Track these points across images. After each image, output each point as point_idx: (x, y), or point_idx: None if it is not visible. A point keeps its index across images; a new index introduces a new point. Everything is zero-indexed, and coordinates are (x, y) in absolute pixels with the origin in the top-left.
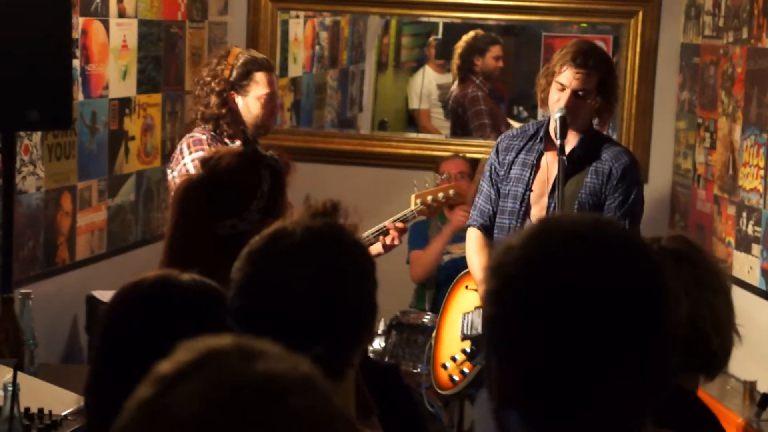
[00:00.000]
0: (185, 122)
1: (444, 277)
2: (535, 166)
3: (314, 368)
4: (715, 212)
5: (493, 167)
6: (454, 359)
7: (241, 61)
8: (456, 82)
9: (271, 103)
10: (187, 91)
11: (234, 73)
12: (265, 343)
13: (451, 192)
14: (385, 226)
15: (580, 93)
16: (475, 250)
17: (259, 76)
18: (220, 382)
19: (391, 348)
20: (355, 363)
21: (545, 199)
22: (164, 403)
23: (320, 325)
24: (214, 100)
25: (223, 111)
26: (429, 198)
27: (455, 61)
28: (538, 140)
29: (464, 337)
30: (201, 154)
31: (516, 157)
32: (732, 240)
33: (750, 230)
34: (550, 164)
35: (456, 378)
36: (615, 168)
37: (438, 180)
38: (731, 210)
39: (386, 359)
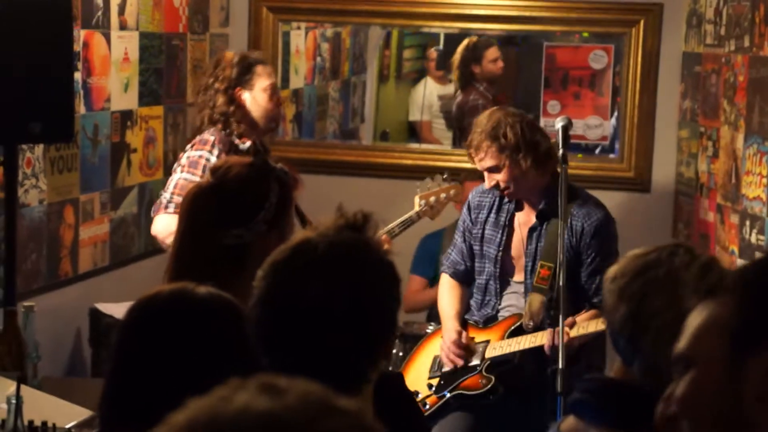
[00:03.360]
0: (192, 130)
1: None
2: (508, 227)
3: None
4: (718, 221)
5: (466, 224)
6: (416, 394)
7: (238, 58)
8: (458, 92)
9: (275, 93)
10: (189, 104)
11: (235, 70)
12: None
13: (452, 192)
14: (393, 228)
15: (495, 171)
16: (446, 290)
17: (261, 69)
18: (218, 416)
19: (394, 358)
20: (373, 379)
21: (522, 260)
22: None
23: (337, 342)
24: (220, 99)
25: (232, 108)
26: (432, 198)
27: (454, 71)
28: (507, 199)
29: (432, 376)
30: (201, 153)
31: (488, 216)
32: (735, 249)
33: (753, 239)
34: (522, 225)
35: None
36: (587, 226)
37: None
38: (734, 219)
39: (389, 369)
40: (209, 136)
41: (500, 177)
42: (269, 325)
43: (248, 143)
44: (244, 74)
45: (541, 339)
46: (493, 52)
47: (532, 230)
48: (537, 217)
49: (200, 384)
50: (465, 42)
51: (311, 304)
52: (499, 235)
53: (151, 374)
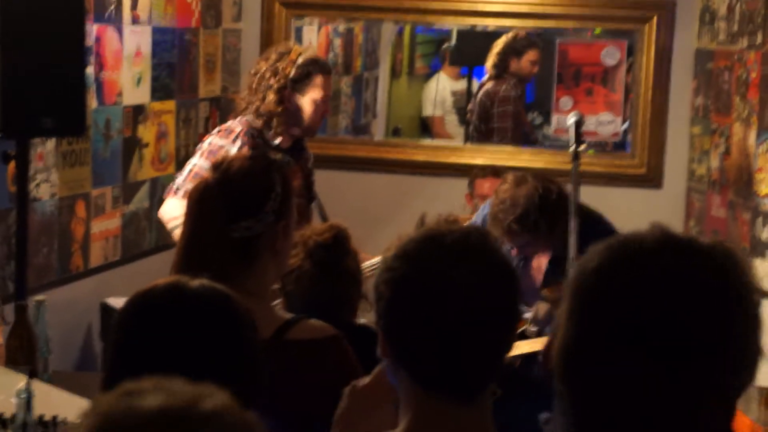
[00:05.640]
0: (235, 111)
1: None
2: (524, 260)
3: (227, 399)
4: (730, 218)
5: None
6: None
7: (303, 60)
8: (487, 77)
9: (323, 106)
10: (201, 98)
11: (295, 72)
12: (166, 381)
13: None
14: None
15: (522, 248)
16: None
17: (319, 80)
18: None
19: None
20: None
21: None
22: None
23: (481, 328)
24: (271, 96)
25: (280, 109)
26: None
27: (492, 57)
28: None
29: None
30: (223, 143)
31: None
32: (747, 246)
33: (765, 236)
34: (541, 261)
35: None
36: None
37: (475, 202)
38: (746, 215)
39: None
40: (237, 125)
41: (531, 249)
42: (409, 312)
43: (279, 139)
44: (302, 79)
45: (539, 345)
46: (533, 54)
47: (546, 274)
48: (551, 261)
49: (195, 376)
50: (512, 33)
51: (455, 289)
52: (519, 270)
53: (147, 368)
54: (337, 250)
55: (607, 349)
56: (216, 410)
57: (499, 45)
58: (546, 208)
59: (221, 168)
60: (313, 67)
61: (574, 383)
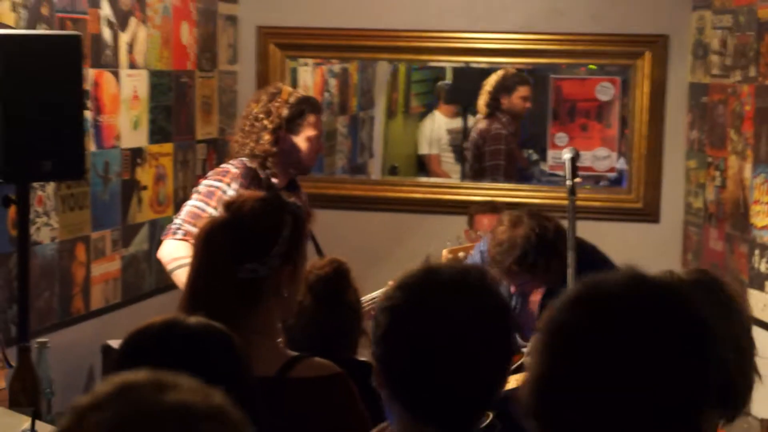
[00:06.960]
0: (228, 154)
1: None
2: (521, 297)
3: (226, 400)
4: (727, 251)
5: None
6: None
7: (295, 99)
8: (480, 116)
9: (317, 143)
10: (199, 140)
11: (288, 112)
12: (179, 377)
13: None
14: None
15: (521, 286)
16: None
17: (312, 118)
18: (132, 411)
19: None
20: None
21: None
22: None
23: (473, 361)
24: (266, 137)
25: (275, 149)
26: (461, 254)
27: (483, 96)
28: None
29: None
30: (218, 185)
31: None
32: (745, 278)
33: (763, 267)
34: (538, 294)
35: None
36: None
37: (471, 236)
38: (743, 248)
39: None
40: (233, 168)
41: (529, 286)
42: (407, 340)
43: (276, 180)
44: (295, 119)
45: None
46: (524, 90)
47: (541, 307)
48: (546, 294)
49: None
50: (501, 72)
51: (451, 320)
52: (515, 306)
53: None
54: (337, 284)
55: (576, 385)
56: (224, 406)
57: (489, 84)
58: (543, 247)
59: (233, 207)
60: (305, 105)
61: (544, 420)
